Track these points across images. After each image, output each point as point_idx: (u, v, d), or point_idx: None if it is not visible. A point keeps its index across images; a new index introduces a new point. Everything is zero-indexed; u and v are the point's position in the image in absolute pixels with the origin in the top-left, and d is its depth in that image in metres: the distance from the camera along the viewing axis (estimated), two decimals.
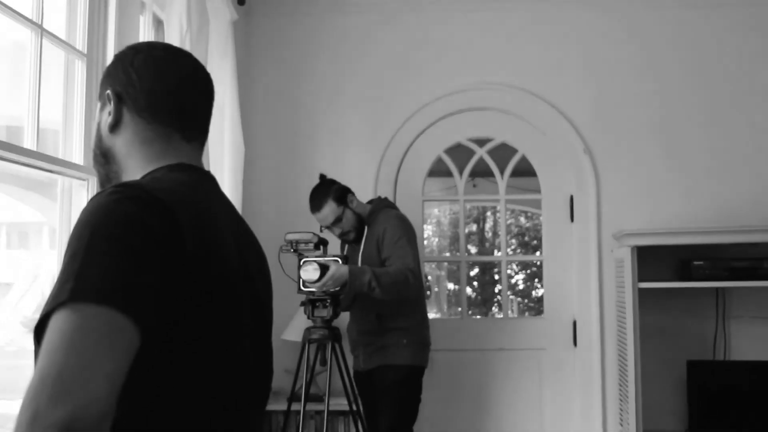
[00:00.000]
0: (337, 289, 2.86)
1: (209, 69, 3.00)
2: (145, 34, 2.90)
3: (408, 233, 3.07)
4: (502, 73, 3.83)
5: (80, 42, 2.48)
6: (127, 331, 0.83)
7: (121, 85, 1.14)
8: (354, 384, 2.99)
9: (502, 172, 3.85)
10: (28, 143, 2.22)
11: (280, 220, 3.62)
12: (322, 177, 3.17)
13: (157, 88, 1.14)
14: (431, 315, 3.29)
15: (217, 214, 1.09)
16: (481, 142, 3.87)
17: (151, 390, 0.95)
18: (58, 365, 0.77)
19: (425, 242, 8.06)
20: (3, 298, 3.10)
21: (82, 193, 2.43)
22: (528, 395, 3.76)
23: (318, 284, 2.81)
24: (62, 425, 0.73)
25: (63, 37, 2.41)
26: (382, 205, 3.21)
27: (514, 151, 3.85)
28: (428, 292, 7.61)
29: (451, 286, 8.16)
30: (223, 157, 3.15)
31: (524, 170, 3.86)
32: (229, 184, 3.17)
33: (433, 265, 7.47)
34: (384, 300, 2.91)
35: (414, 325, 3.09)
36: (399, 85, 3.86)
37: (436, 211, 8.00)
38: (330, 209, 3.05)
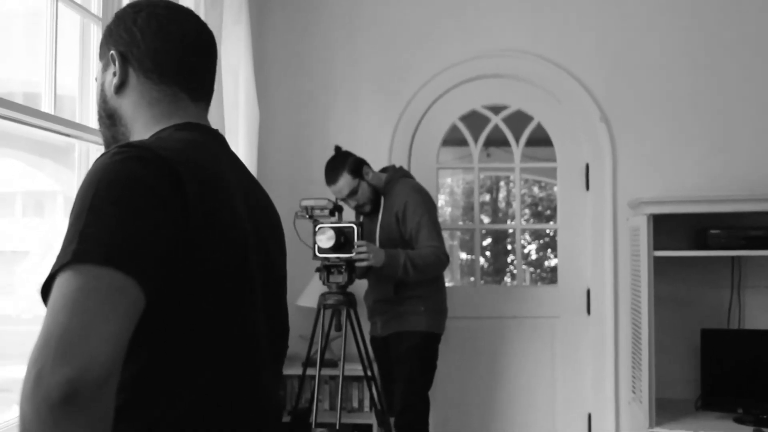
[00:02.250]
0: (369, 264, 2.87)
1: (224, 36, 3.00)
2: None
3: (429, 208, 3.08)
4: (519, 40, 3.78)
5: (95, 5, 2.47)
6: (130, 292, 0.83)
7: (124, 45, 1.12)
8: (369, 349, 3.01)
9: (517, 140, 3.83)
10: (46, 108, 2.23)
11: (295, 186, 3.63)
12: (338, 149, 3.16)
13: (162, 47, 1.12)
14: (446, 283, 3.30)
15: (225, 172, 1.08)
16: (496, 110, 3.83)
17: (161, 351, 0.95)
18: (61, 326, 0.77)
19: (439, 211, 8.07)
20: (18, 267, 3.14)
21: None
22: (541, 363, 3.78)
23: (362, 256, 2.81)
24: (66, 384, 0.74)
25: (78, 0, 2.40)
26: (398, 175, 3.19)
27: (529, 118, 3.82)
28: None
29: (463, 255, 8.16)
30: (238, 122, 3.15)
31: (539, 139, 3.83)
32: (245, 150, 3.17)
33: (446, 235, 7.46)
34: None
35: (431, 292, 3.11)
36: (414, 52, 3.83)
37: (449, 180, 7.97)
38: (345, 182, 3.05)
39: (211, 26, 2.67)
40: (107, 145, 1.17)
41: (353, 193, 3.07)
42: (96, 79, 1.19)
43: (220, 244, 0.99)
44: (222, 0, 2.90)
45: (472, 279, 7.56)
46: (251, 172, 3.11)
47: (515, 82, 3.80)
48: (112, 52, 1.13)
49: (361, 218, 3.23)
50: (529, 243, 8.30)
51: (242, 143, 3.15)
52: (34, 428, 0.75)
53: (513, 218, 7.62)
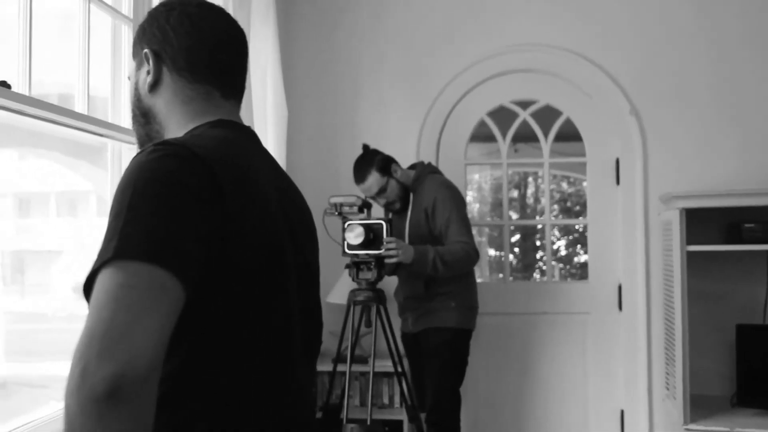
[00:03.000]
0: (398, 260, 2.88)
1: (251, 34, 3.02)
2: None
3: (458, 203, 3.07)
4: (547, 34, 3.75)
5: (126, 7, 2.51)
6: (171, 288, 0.84)
7: (158, 44, 1.13)
8: (398, 346, 3.02)
9: (545, 135, 3.80)
10: (79, 108, 2.26)
11: (323, 184, 3.64)
12: (365, 147, 3.16)
13: (194, 45, 1.13)
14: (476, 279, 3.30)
15: (259, 168, 1.10)
16: (524, 105, 3.81)
17: (199, 346, 0.96)
18: (105, 322, 0.78)
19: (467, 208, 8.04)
20: (53, 266, 3.20)
21: (131, 157, 2.48)
22: (572, 359, 3.76)
23: (393, 251, 2.82)
24: (111, 379, 0.75)
25: (109, 2, 2.44)
26: (426, 171, 3.19)
27: (558, 113, 3.79)
28: None
29: (492, 252, 8.12)
30: (267, 121, 3.17)
31: (568, 134, 3.80)
32: (273, 148, 3.19)
33: (475, 231, 7.45)
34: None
35: (462, 288, 3.11)
36: (441, 48, 3.82)
37: (476, 176, 7.94)
38: (374, 179, 3.06)
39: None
40: (141, 143, 1.19)
41: (382, 191, 3.08)
42: (129, 78, 1.20)
43: (255, 240, 1.00)
44: (250, 1, 2.92)
45: (501, 275, 7.52)
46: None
47: (543, 77, 3.77)
48: (146, 50, 1.14)
49: (390, 215, 3.23)
50: (558, 239, 8.24)
51: (271, 141, 3.17)
52: (79, 423, 0.76)
53: (542, 214, 7.57)
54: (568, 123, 3.77)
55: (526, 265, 8.26)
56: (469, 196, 8.36)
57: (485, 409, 3.77)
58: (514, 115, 3.81)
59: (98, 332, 0.78)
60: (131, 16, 2.49)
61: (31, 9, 1.99)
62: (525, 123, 3.81)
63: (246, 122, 2.82)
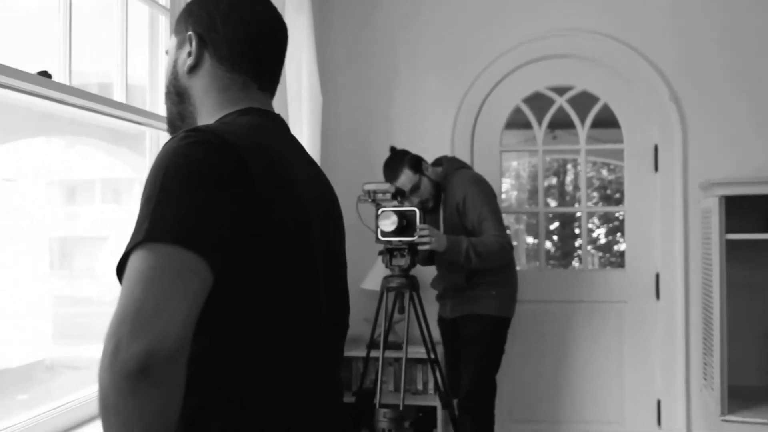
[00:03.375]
0: (436, 248, 2.89)
1: (286, 19, 3.03)
2: None
3: (488, 197, 3.04)
4: (584, 19, 3.70)
5: (163, 3, 2.55)
6: (199, 271, 0.87)
7: (203, 28, 1.15)
8: (431, 332, 3.03)
9: (582, 122, 3.76)
10: (118, 98, 2.32)
11: (358, 171, 3.65)
12: (393, 149, 3.16)
13: (239, 37, 1.15)
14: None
15: (287, 155, 1.11)
16: (560, 91, 3.77)
17: (227, 327, 0.99)
18: (136, 302, 0.82)
19: (503, 195, 7.98)
20: (100, 251, 3.30)
21: None
22: (609, 348, 3.72)
23: (426, 238, 2.83)
24: (142, 356, 0.79)
25: None
26: (454, 167, 3.17)
27: (595, 99, 3.74)
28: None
29: (530, 239, 8.07)
30: (302, 109, 3.20)
31: (606, 121, 3.75)
32: (308, 136, 3.22)
33: (513, 219, 7.39)
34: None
35: (503, 276, 3.11)
36: (476, 35, 3.79)
37: (514, 164, 7.89)
38: (407, 177, 3.05)
39: None
40: (171, 120, 1.21)
41: (416, 188, 3.06)
42: (167, 52, 1.22)
43: (282, 225, 1.02)
44: None
45: (537, 264, 7.47)
46: (315, 157, 3.16)
47: (580, 62, 3.72)
48: (191, 32, 1.15)
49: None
50: (598, 227, 8.14)
51: (305, 130, 3.20)
52: (113, 397, 0.80)
53: (580, 201, 7.50)
54: (606, 109, 3.72)
55: (565, 252, 8.19)
56: (507, 184, 8.31)
57: (520, 396, 3.77)
58: (550, 102, 3.78)
59: (130, 311, 0.81)
60: (168, 6, 2.54)
61: (70, 0, 2.04)
62: (561, 109, 3.77)
63: (280, 111, 2.85)
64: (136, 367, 0.78)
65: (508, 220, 7.17)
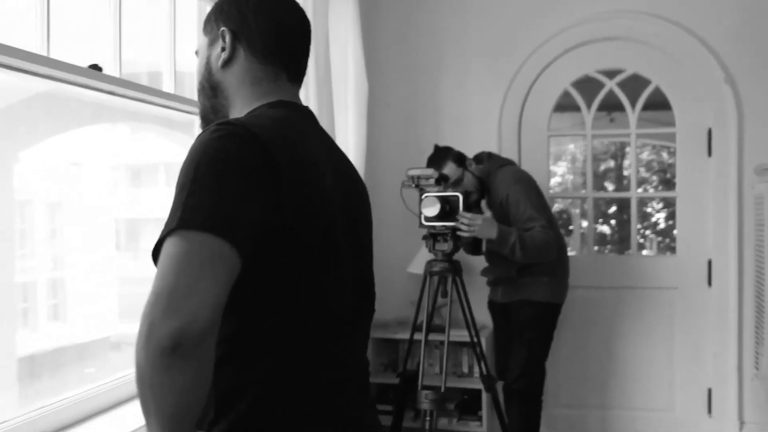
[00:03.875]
0: (479, 236, 2.90)
1: (330, 11, 3.08)
2: None
3: (530, 195, 3.00)
4: (635, 0, 3.62)
5: None
6: (228, 257, 0.93)
7: (235, 24, 1.20)
8: (473, 316, 3.05)
9: (633, 105, 3.69)
10: (167, 87, 2.41)
11: (404, 157, 3.68)
12: (437, 146, 3.17)
13: (270, 29, 1.21)
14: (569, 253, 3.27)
15: (313, 147, 1.16)
16: (610, 74, 3.70)
17: (254, 311, 1.05)
18: (169, 285, 0.88)
19: (558, 179, 7.87)
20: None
21: None
22: (659, 335, 3.67)
23: (468, 219, 2.84)
24: (174, 335, 0.85)
25: None
26: (495, 165, 3.14)
27: (646, 82, 3.66)
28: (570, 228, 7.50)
29: (585, 223, 7.96)
30: (347, 96, 3.24)
31: (658, 103, 3.67)
32: (354, 122, 3.27)
33: (569, 202, 7.30)
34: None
35: (556, 263, 3.10)
36: (524, 18, 3.76)
37: (571, 147, 7.77)
38: (450, 170, 3.05)
39: (318, 3, 2.77)
40: (204, 114, 1.27)
41: (459, 181, 3.07)
42: (197, 53, 1.28)
43: (308, 213, 1.07)
44: None
45: (596, 248, 7.37)
46: (360, 145, 3.20)
47: (631, 44, 3.64)
48: (224, 28, 1.20)
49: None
50: (657, 211, 7.95)
51: (352, 116, 3.24)
52: (148, 373, 0.87)
53: (640, 184, 7.32)
54: (657, 92, 3.64)
55: (623, 237, 8.04)
56: (563, 167, 8.18)
57: (569, 382, 3.76)
58: (600, 85, 3.72)
59: (163, 293, 0.88)
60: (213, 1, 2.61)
61: None
62: (611, 93, 3.70)
63: (325, 98, 2.90)
64: (169, 344, 0.85)
65: (562, 204, 7.09)
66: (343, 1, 3.15)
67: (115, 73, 2.11)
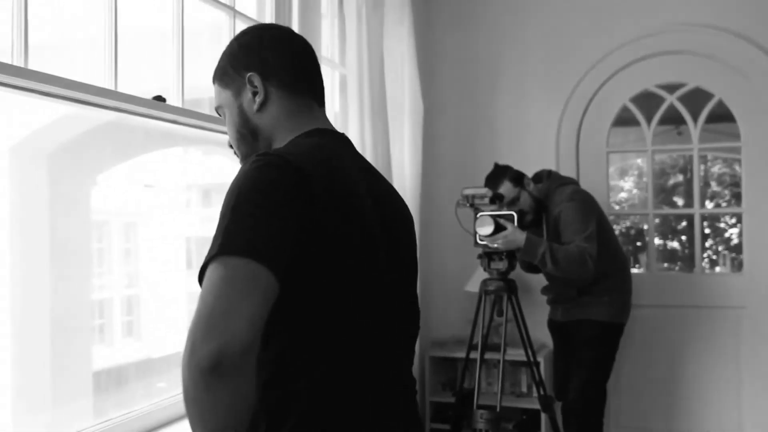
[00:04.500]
0: (503, 248, 2.90)
1: (385, 35, 3.15)
2: (327, 5, 3.11)
3: (583, 212, 2.95)
4: (696, 13, 3.55)
5: (269, 20, 2.74)
6: (264, 279, 0.97)
7: (259, 67, 1.24)
8: (530, 335, 3.04)
9: (695, 120, 3.61)
10: None
11: (461, 175, 3.71)
12: (496, 164, 3.17)
13: (291, 62, 1.26)
14: (635, 270, 3.22)
15: (350, 170, 1.20)
16: (671, 89, 3.64)
17: (296, 332, 1.09)
18: (208, 308, 0.94)
19: (625, 195, 7.70)
20: None
21: None
22: (726, 356, 3.56)
23: (489, 238, 2.88)
24: (213, 355, 0.90)
25: (254, 16, 2.68)
26: (555, 185, 3.12)
27: (709, 96, 3.58)
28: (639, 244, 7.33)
29: (657, 240, 7.75)
30: (404, 117, 3.30)
31: (723, 115, 3.59)
32: (409, 142, 3.32)
33: (636, 219, 7.14)
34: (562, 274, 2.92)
35: (617, 283, 3.07)
36: (582, 34, 3.74)
37: (638, 161, 7.60)
38: (506, 189, 3.04)
39: (373, 27, 2.85)
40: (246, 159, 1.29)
41: (515, 200, 3.05)
42: (219, 110, 1.31)
43: (345, 236, 1.11)
44: (383, 3, 3.06)
45: (665, 265, 7.16)
46: (416, 164, 3.25)
47: (692, 58, 3.58)
48: (250, 74, 1.24)
49: None
50: (731, 226, 7.67)
51: (407, 137, 3.30)
52: (191, 391, 0.93)
53: (711, 198, 7.10)
54: (721, 105, 3.56)
55: (693, 254, 7.79)
56: (630, 183, 8.00)
57: (630, 404, 3.68)
58: (661, 100, 3.66)
59: (203, 316, 0.93)
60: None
61: (183, 26, 2.26)
62: (672, 107, 3.64)
63: (380, 120, 2.96)
64: (209, 364, 0.90)
65: (629, 221, 6.94)
66: (398, 27, 3.22)
67: (178, 103, 2.23)
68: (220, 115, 1.31)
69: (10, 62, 1.62)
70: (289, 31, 1.32)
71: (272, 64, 1.24)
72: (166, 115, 2.15)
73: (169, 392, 2.38)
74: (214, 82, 1.31)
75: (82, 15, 2.34)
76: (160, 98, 2.13)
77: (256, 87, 1.23)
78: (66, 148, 3.21)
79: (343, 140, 1.29)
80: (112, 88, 1.95)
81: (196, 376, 0.91)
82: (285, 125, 1.24)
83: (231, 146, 1.32)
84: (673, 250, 7.75)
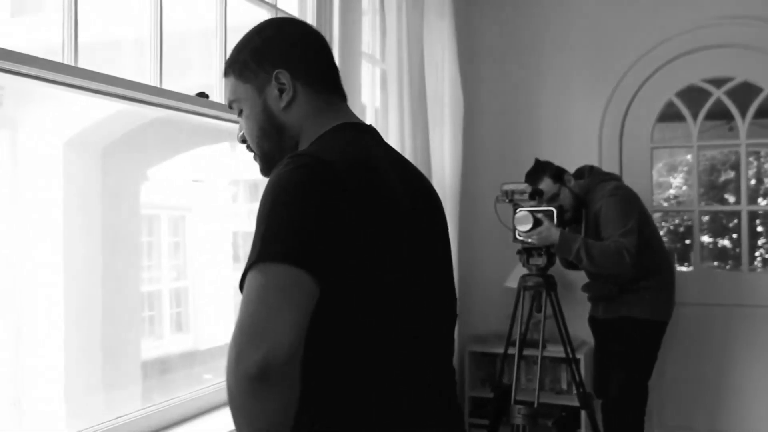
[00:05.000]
0: (538, 244, 2.90)
1: (425, 31, 3.17)
2: (368, 1, 3.14)
3: (623, 208, 2.93)
4: (745, 5, 3.47)
5: (310, 17, 2.79)
6: (305, 284, 0.97)
7: (287, 63, 1.21)
8: (568, 332, 3.02)
9: (743, 115, 3.53)
10: None
11: (501, 171, 3.69)
12: (537, 160, 3.16)
13: (315, 57, 1.24)
14: (683, 268, 3.18)
15: (382, 165, 1.18)
16: (718, 83, 3.57)
17: (339, 335, 1.09)
18: (251, 316, 0.95)
19: (673, 191, 7.53)
20: None
21: None
22: None
23: (524, 233, 2.88)
24: (260, 362, 0.91)
25: (295, 14, 2.73)
26: (596, 180, 3.09)
27: (757, 90, 3.50)
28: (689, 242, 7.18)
29: (705, 238, 7.57)
30: (444, 113, 3.32)
31: None
32: (449, 138, 3.33)
33: (685, 216, 7.00)
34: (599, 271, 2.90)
35: (659, 280, 3.03)
36: (626, 27, 3.69)
37: (688, 157, 7.44)
38: (546, 186, 3.03)
39: (413, 23, 2.87)
40: (271, 157, 1.26)
41: (554, 197, 3.04)
42: (231, 104, 1.26)
43: (382, 233, 1.10)
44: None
45: (715, 263, 7.00)
46: (456, 160, 3.26)
47: (740, 52, 3.51)
48: (278, 70, 1.21)
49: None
50: None
51: (448, 133, 3.31)
52: (237, 397, 0.95)
53: (765, 196, 6.88)
54: None
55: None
56: (679, 179, 7.83)
57: (674, 404, 3.63)
58: (707, 94, 3.59)
59: (247, 324, 0.95)
60: (315, 25, 2.77)
61: (226, 25, 2.32)
62: (719, 101, 3.57)
63: (419, 116, 2.98)
64: (256, 372, 0.91)
65: (678, 218, 6.79)
66: (439, 23, 3.24)
67: (221, 99, 2.30)
68: (232, 108, 1.28)
69: (61, 60, 1.70)
70: (308, 26, 1.30)
71: (299, 61, 1.22)
72: (210, 111, 2.21)
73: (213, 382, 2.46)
74: (228, 75, 1.26)
75: (129, 15, 2.43)
76: (203, 94, 2.19)
77: (284, 84, 1.20)
78: (117, 144, 3.32)
79: (370, 132, 1.27)
80: (158, 85, 2.02)
81: (244, 384, 0.92)
82: (313, 122, 1.22)
83: (243, 141, 1.30)
84: (724, 248, 7.56)
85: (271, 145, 1.25)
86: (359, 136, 1.22)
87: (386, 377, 1.11)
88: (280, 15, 2.60)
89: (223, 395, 2.32)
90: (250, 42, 1.25)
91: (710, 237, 7.52)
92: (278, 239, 0.99)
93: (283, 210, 1.02)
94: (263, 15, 2.58)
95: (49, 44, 1.78)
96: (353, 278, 1.06)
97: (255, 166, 1.33)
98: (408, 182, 1.24)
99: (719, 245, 7.59)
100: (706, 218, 7.17)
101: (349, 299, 1.07)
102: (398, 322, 1.13)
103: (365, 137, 1.24)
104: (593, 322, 3.25)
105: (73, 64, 1.72)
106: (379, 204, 1.12)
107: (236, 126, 2.47)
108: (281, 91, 1.21)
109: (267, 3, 2.55)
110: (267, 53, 1.22)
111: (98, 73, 1.74)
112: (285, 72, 1.20)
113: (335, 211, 1.03)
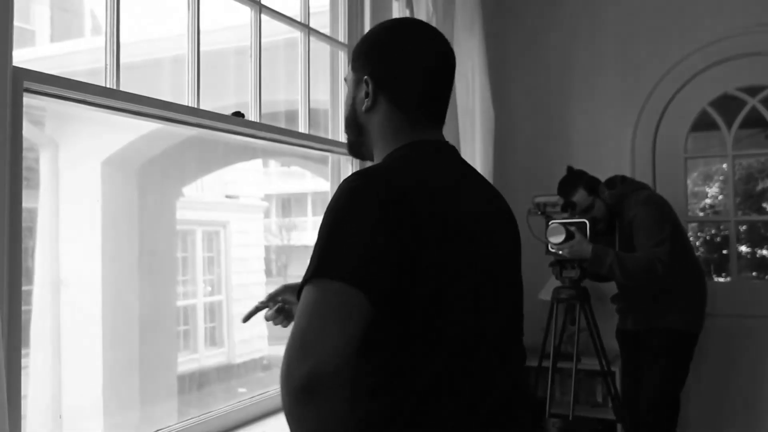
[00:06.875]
0: (569, 257, 2.89)
1: (456, 43, 3.18)
2: (398, 14, 3.18)
3: (656, 218, 2.90)
4: None
5: (342, 34, 2.83)
6: (357, 303, 0.98)
7: (378, 73, 1.21)
8: (603, 345, 3.00)
9: None
10: (302, 127, 2.63)
11: (532, 183, 3.68)
12: (570, 168, 3.16)
13: (412, 78, 1.21)
14: (720, 279, 3.14)
15: (451, 183, 1.17)
16: (752, 91, 3.53)
17: (395, 353, 1.09)
18: (302, 330, 0.98)
19: (709, 201, 7.42)
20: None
21: (348, 166, 2.80)
22: None
23: (556, 246, 2.87)
24: (308, 375, 0.95)
25: (327, 32, 2.78)
26: (628, 190, 3.07)
27: None
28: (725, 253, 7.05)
29: (743, 248, 7.43)
30: (475, 126, 3.32)
31: None
32: (481, 152, 3.34)
33: (722, 225, 6.89)
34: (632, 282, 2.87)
35: (691, 291, 3.00)
36: (658, 36, 3.67)
37: (724, 166, 7.33)
38: (581, 197, 3.02)
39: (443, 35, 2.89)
40: (351, 145, 1.31)
41: (588, 209, 3.03)
42: (345, 80, 1.29)
43: (444, 254, 1.08)
44: (453, 11, 3.10)
45: (753, 274, 6.86)
46: (487, 172, 3.26)
47: None
48: (367, 77, 1.22)
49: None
50: None
51: (478, 146, 3.32)
52: (289, 407, 0.97)
53: None
54: None
55: None
56: (715, 188, 7.72)
57: (707, 416, 3.55)
58: (742, 103, 3.55)
59: (297, 338, 0.98)
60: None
61: (260, 46, 2.37)
62: (754, 110, 3.52)
63: (451, 130, 2.99)
64: (305, 384, 0.94)
65: (714, 228, 6.69)
66: (468, 31, 3.25)
67: (255, 118, 2.34)
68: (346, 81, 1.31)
69: (104, 84, 1.76)
70: (432, 41, 1.25)
71: (393, 77, 1.21)
72: (245, 130, 2.26)
73: (248, 396, 2.48)
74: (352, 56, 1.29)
75: (167, 37, 2.49)
76: (238, 114, 2.24)
77: (368, 90, 1.22)
78: (154, 162, 3.40)
79: (446, 150, 1.25)
80: (194, 105, 2.07)
81: (295, 394, 0.95)
82: (388, 137, 1.22)
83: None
84: (763, 258, 7.41)
85: (352, 136, 1.29)
86: (432, 155, 1.22)
87: (448, 393, 1.09)
88: (311, 34, 2.65)
89: (260, 408, 2.37)
90: (371, 39, 1.27)
91: (748, 247, 7.38)
92: (336, 256, 1.02)
93: (343, 227, 1.04)
94: (294, 34, 2.63)
95: (92, 67, 1.84)
96: (412, 299, 1.06)
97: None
98: (479, 202, 1.23)
99: (758, 255, 7.45)
100: (743, 228, 7.04)
101: (408, 318, 1.07)
102: (463, 343, 1.11)
103: (438, 155, 1.23)
104: (622, 334, 3.19)
105: (115, 87, 1.77)
106: (444, 228, 1.09)
107: (270, 144, 2.51)
108: (366, 95, 1.22)
109: (299, 23, 2.60)
110: (370, 55, 1.24)
111: (140, 95, 1.79)
112: (371, 80, 1.21)
113: (395, 231, 1.03)
